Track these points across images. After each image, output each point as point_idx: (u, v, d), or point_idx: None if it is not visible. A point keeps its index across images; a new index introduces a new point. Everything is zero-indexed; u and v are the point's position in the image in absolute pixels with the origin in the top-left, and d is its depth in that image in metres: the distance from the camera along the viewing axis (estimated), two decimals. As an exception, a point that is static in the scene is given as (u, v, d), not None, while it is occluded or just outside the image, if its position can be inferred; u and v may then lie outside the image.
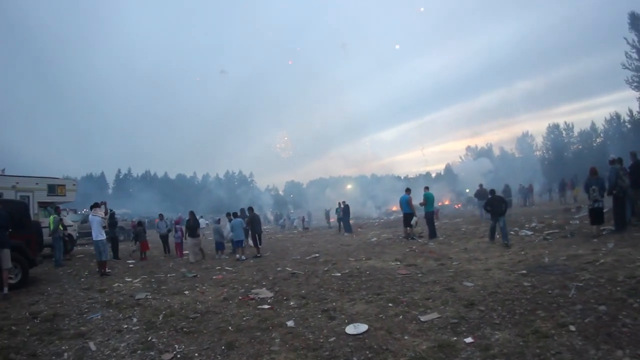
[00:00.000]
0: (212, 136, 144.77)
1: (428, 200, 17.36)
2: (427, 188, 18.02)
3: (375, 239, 19.14)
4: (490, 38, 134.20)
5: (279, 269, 12.19)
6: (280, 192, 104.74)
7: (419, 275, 9.68)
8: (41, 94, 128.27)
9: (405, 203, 17.54)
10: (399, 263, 11.63)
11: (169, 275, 12.49)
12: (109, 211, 16.25)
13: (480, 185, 25.17)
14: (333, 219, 42.57)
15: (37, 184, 18.07)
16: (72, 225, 20.12)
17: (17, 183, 17.12)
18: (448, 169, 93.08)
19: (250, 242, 16.63)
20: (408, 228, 17.48)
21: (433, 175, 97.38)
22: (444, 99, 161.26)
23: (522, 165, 70.53)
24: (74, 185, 20.64)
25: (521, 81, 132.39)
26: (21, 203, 13.65)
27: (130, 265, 15.29)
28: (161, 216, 20.03)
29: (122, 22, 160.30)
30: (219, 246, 17.04)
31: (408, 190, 18.12)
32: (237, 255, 15.71)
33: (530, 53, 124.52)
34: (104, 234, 13.43)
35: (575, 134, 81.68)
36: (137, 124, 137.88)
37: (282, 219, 41.04)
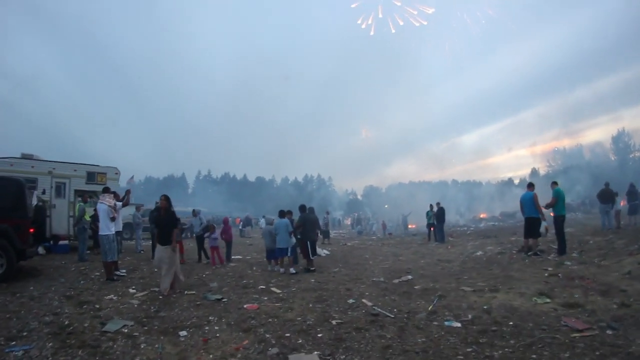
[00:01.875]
0: (292, 140, 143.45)
1: (560, 198, 12.08)
2: (555, 183, 12.58)
3: (480, 252, 13.89)
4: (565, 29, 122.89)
5: (351, 300, 7.48)
6: (359, 197, 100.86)
7: (609, 332, 5.21)
8: (128, 101, 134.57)
9: (530, 203, 12.16)
10: (548, 300, 6.83)
11: (186, 292, 8.59)
12: (129, 201, 12.26)
13: (607, 185, 18.74)
14: (412, 225, 38.26)
15: (75, 170, 16.41)
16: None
17: (54, 169, 15.66)
18: (534, 173, 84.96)
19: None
20: (530, 239, 12.20)
21: (516, 181, 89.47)
22: (527, 99, 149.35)
23: (620, 167, 62.92)
24: (117, 174, 18.10)
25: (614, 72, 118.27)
26: (15, 181, 10.75)
27: (156, 270, 11.39)
28: (195, 212, 15.86)
29: (200, 28, 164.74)
30: (270, 254, 12.63)
31: (531, 186, 12.64)
32: (281, 269, 11.81)
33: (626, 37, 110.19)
34: (112, 228, 10.10)
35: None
36: (220, 128, 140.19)
37: (359, 225, 36.25)
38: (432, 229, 20.47)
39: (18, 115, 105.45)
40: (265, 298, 8.03)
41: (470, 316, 6.11)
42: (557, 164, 78.55)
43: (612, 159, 70.84)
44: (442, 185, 78.39)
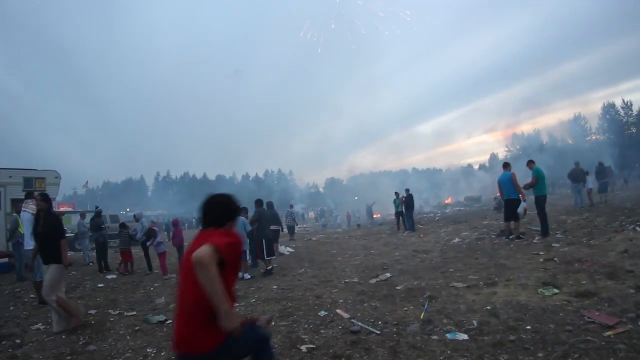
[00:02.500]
0: (251, 136, 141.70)
1: (540, 177, 11.01)
2: (532, 162, 11.53)
3: (457, 239, 12.70)
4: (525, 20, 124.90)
5: (322, 312, 5.98)
6: (321, 189, 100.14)
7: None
8: (82, 104, 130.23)
9: (509, 183, 11.11)
10: (555, 291, 5.73)
11: (125, 314, 7.02)
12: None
13: (577, 164, 18.05)
14: (377, 214, 37.24)
15: (10, 177, 14.32)
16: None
17: None
18: (493, 159, 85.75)
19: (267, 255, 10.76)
20: (512, 222, 11.16)
21: (476, 167, 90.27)
22: (484, 87, 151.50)
23: (576, 150, 63.92)
24: (57, 178, 15.90)
25: (569, 60, 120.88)
26: None
27: (100, 285, 10.33)
28: (136, 217, 14.07)
29: (152, 23, 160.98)
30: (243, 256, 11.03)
31: (507, 166, 11.65)
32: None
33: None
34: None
35: (635, 112, 70.45)
36: (175, 128, 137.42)
37: (323, 217, 34.88)
38: (399, 217, 19.26)
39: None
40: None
41: (475, 322, 4.77)
42: (515, 148, 79.24)
43: (570, 142, 71.78)
44: (403, 173, 78.17)
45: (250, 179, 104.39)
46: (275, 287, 8.38)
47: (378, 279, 7.92)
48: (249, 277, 9.72)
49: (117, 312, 7.18)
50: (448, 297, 6.02)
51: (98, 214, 14.37)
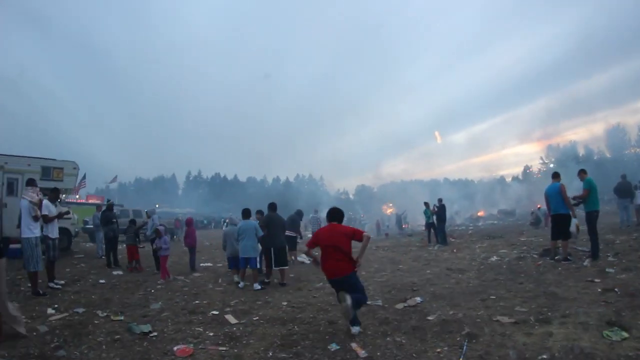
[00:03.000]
0: (284, 140, 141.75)
1: (592, 189, 9.66)
2: (584, 172, 10.08)
3: (496, 257, 11.34)
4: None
5: (333, 345, 4.88)
6: (351, 196, 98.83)
7: None
8: (118, 102, 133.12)
9: (558, 196, 9.69)
10: (625, 335, 4.56)
11: (112, 318, 6.44)
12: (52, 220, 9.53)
13: (623, 177, 16.33)
14: (406, 225, 35.85)
15: (29, 165, 14.23)
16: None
17: (6, 163, 13.71)
18: (527, 171, 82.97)
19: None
20: (560, 241, 9.78)
21: (508, 179, 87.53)
22: (518, 96, 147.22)
23: (616, 162, 60.97)
24: (75, 169, 15.81)
25: (606, 69, 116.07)
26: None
27: (101, 281, 9.89)
28: (148, 213, 13.43)
29: (189, 33, 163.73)
30: (233, 263, 10.15)
31: (557, 176, 10.24)
32: (240, 283, 9.35)
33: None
34: (36, 229, 8.06)
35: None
36: (213, 128, 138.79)
37: (351, 224, 33.64)
38: (430, 229, 17.92)
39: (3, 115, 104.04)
40: (211, 334, 5.55)
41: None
42: (550, 160, 76.61)
43: (607, 155, 68.71)
44: (434, 183, 76.32)
45: (281, 182, 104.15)
46: (285, 303, 7.34)
47: (406, 304, 6.71)
48: (258, 287, 8.79)
49: (105, 314, 6.64)
50: (492, 337, 4.82)
51: (109, 207, 13.90)
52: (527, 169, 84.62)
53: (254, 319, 6.31)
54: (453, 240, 17.73)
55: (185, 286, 9.42)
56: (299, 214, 13.71)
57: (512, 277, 8.55)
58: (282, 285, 9.17)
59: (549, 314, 5.62)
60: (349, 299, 4.97)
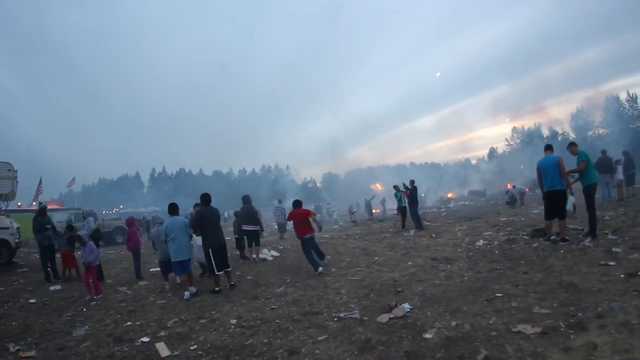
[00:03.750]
0: (247, 132, 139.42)
1: (589, 162, 8.55)
2: (575, 144, 9.00)
3: (483, 241, 9.85)
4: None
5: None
6: (318, 184, 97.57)
7: None
8: (79, 101, 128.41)
9: (554, 170, 8.32)
10: None
11: (20, 354, 5.19)
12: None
13: (604, 152, 15.30)
14: (377, 209, 34.46)
15: None
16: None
17: None
18: (492, 153, 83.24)
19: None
20: (558, 220, 8.44)
21: (473, 161, 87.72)
22: (481, 81, 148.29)
23: (581, 143, 61.06)
24: (10, 171, 13.88)
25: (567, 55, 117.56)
26: None
27: (32, 301, 8.29)
28: (84, 214, 11.52)
29: (148, 23, 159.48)
30: (164, 269, 8.68)
31: (550, 148, 8.82)
32: (186, 293, 7.61)
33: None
34: None
35: (640, 105, 67.41)
36: (172, 125, 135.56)
37: (319, 213, 31.94)
38: (403, 213, 16.39)
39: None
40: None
41: None
42: (515, 142, 76.95)
43: (572, 136, 69.21)
44: (401, 167, 75.45)
45: (247, 174, 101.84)
46: (234, 321, 5.58)
47: (392, 315, 5.01)
48: (188, 296, 7.44)
49: (16, 348, 5.35)
50: (523, 362, 3.27)
51: (42, 212, 11.42)
52: (492, 151, 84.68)
53: (191, 348, 4.66)
54: (428, 223, 16.24)
55: (123, 300, 7.75)
56: (247, 201, 11.75)
57: (511, 265, 7.09)
58: (232, 287, 7.66)
59: (579, 314, 4.19)
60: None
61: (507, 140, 79.43)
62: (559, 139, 69.49)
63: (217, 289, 7.53)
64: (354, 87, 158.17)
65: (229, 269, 7.94)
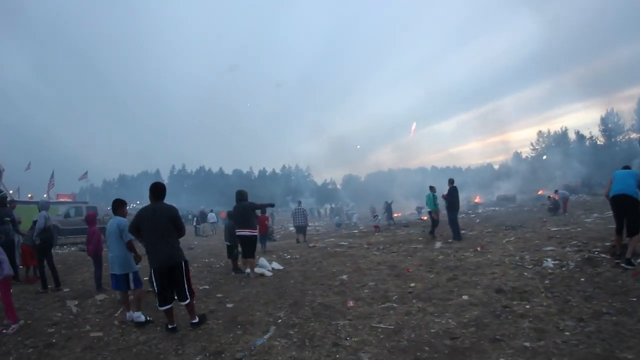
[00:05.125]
0: (270, 132, 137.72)
1: None
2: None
3: (551, 261, 7.12)
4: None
5: None
6: (338, 186, 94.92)
7: None
8: (101, 99, 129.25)
9: (630, 176, 6.55)
10: None
11: None
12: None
13: None
14: (398, 213, 31.65)
15: None
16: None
17: None
18: (516, 158, 79.24)
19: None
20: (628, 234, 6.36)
21: (496, 167, 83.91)
22: (506, 85, 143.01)
23: (608, 148, 58.10)
24: None
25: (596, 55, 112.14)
26: None
27: None
28: (39, 206, 8.93)
29: (171, 27, 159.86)
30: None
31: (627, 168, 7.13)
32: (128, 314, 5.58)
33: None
34: None
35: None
36: (196, 122, 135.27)
37: (336, 216, 29.20)
38: (435, 220, 13.55)
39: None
40: None
41: None
42: (540, 147, 72.93)
43: (601, 140, 65.17)
44: (422, 171, 72.09)
45: (267, 174, 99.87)
46: None
47: None
48: (141, 320, 5.21)
49: None
50: None
51: (1, 202, 8.88)
52: (517, 155, 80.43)
53: None
54: (463, 231, 13.13)
55: (56, 324, 5.45)
56: (243, 197, 8.69)
57: (621, 304, 4.61)
58: (194, 325, 5.01)
59: None
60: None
61: (532, 144, 75.33)
62: (587, 143, 65.97)
63: (169, 326, 4.95)
64: (376, 89, 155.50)
65: (187, 302, 5.00)
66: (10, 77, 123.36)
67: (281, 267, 9.31)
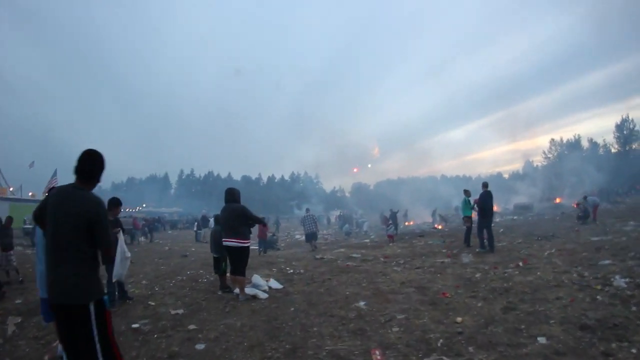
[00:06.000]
0: (279, 139, 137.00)
1: None
2: None
3: (622, 280, 5.52)
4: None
5: None
6: (347, 194, 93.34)
7: None
8: (111, 100, 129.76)
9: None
10: None
11: None
12: None
13: None
14: (410, 222, 30.10)
15: None
16: None
17: None
18: (528, 166, 76.94)
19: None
20: None
21: (505, 175, 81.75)
22: (518, 93, 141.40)
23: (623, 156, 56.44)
24: None
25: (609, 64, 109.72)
26: None
27: None
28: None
29: (183, 28, 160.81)
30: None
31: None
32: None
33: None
34: None
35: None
36: (205, 128, 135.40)
37: (346, 224, 27.59)
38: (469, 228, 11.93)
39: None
40: None
41: None
42: (553, 155, 70.81)
43: (615, 147, 63.20)
44: (432, 180, 70.35)
45: (275, 180, 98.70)
46: None
47: None
48: None
49: None
50: None
51: None
52: (528, 164, 78.17)
53: None
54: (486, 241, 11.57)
55: None
56: (233, 197, 6.80)
57: None
58: None
59: None
60: None
61: (544, 152, 73.11)
62: (601, 151, 64.08)
63: None
64: (385, 97, 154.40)
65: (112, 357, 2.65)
66: (22, 74, 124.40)
67: (280, 287, 7.37)
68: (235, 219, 6.47)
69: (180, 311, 5.77)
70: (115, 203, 6.29)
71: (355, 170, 65.22)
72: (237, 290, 6.60)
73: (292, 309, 5.77)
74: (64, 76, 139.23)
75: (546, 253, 8.95)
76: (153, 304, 6.24)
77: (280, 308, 5.85)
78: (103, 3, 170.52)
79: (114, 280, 5.97)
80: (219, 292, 7.04)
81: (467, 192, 12.01)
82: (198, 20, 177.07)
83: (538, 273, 6.81)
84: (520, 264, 7.86)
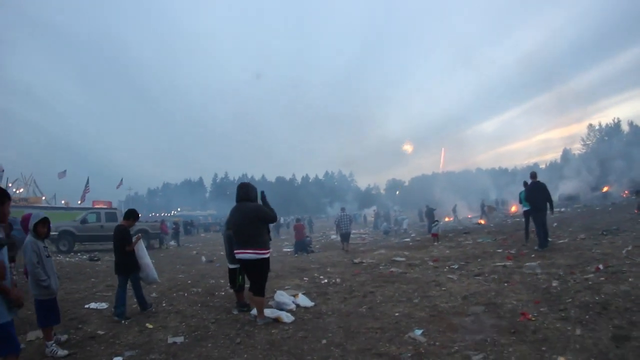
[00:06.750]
0: (312, 138, 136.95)
1: None
2: None
3: None
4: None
5: None
6: (382, 191, 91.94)
7: None
8: (144, 109, 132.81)
9: None
10: None
11: None
12: None
13: None
14: (450, 217, 28.62)
15: None
16: None
17: None
18: (567, 154, 73.42)
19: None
20: None
21: (542, 166, 78.53)
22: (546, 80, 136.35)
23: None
24: None
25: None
26: None
27: None
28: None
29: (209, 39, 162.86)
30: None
31: None
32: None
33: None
34: None
35: None
36: (238, 131, 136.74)
37: (384, 222, 26.30)
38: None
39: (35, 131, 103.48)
40: None
41: None
42: (592, 141, 67.22)
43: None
44: (467, 174, 67.98)
45: (310, 180, 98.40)
46: None
47: None
48: None
49: None
50: None
51: None
52: (567, 152, 74.48)
53: None
54: (550, 240, 10.07)
55: None
56: (247, 195, 5.50)
57: None
58: None
59: None
60: None
61: (582, 139, 69.38)
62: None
63: None
64: (416, 92, 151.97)
65: None
66: (60, 91, 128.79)
67: (311, 304, 6.07)
68: (250, 224, 5.17)
69: (180, 340, 4.72)
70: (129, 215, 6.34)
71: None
72: (254, 311, 5.39)
73: (324, 341, 4.46)
74: (94, 87, 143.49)
75: (624, 251, 7.59)
76: (151, 326, 5.25)
77: (308, 339, 4.56)
78: (137, 18, 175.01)
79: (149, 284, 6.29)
80: (234, 312, 5.90)
81: (526, 184, 10.71)
82: (231, 22, 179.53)
83: (630, 279, 5.51)
84: (601, 266, 6.55)
